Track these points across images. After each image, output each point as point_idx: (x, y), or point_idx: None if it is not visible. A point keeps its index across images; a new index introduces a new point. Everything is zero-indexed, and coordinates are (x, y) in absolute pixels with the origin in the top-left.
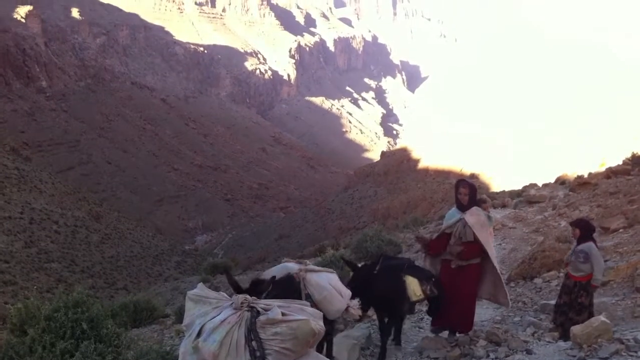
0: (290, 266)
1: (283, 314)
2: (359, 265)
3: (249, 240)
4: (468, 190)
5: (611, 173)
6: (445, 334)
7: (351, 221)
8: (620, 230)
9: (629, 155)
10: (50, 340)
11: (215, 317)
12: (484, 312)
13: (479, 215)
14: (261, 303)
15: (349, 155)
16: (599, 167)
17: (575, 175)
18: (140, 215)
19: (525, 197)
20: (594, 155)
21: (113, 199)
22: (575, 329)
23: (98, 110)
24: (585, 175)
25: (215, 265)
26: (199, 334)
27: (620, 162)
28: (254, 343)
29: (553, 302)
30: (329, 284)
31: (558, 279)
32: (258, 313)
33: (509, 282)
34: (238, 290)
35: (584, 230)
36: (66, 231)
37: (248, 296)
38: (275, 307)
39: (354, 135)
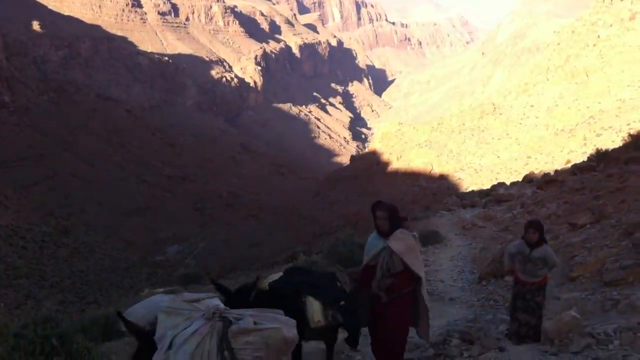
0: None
1: (255, 323)
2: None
3: (221, 249)
4: (387, 214)
5: (577, 170)
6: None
7: (323, 226)
8: (588, 226)
9: (593, 151)
10: (19, 357)
11: (186, 328)
12: (456, 312)
13: (406, 239)
14: (233, 313)
15: (318, 160)
16: (565, 165)
17: (542, 173)
18: (109, 228)
19: (493, 196)
20: (560, 153)
21: (81, 213)
22: (547, 324)
23: (62, 124)
24: (552, 173)
25: (187, 276)
26: (169, 347)
27: (585, 159)
28: (226, 353)
29: None
30: None
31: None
32: (230, 323)
33: (481, 280)
34: (226, 293)
35: (542, 232)
36: (34, 247)
37: (221, 305)
38: (247, 317)
39: (322, 140)
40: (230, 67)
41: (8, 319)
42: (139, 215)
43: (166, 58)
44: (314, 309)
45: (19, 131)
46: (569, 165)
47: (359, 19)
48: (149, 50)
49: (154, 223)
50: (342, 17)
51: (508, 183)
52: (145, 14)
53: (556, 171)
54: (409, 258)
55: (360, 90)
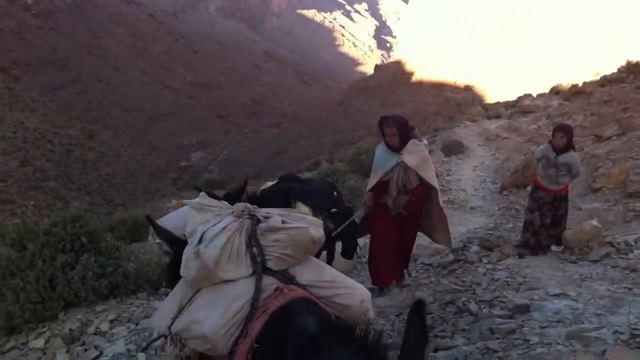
0: None
1: (283, 222)
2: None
3: (244, 156)
4: (396, 129)
5: (606, 81)
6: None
7: (346, 136)
8: (614, 138)
9: (624, 63)
10: (50, 254)
11: (216, 224)
12: (477, 220)
13: (420, 152)
14: (261, 211)
15: (342, 69)
16: (594, 76)
17: (570, 85)
18: (134, 133)
19: (519, 108)
20: (589, 65)
21: (106, 118)
22: (567, 234)
23: (86, 27)
24: (580, 85)
25: (211, 181)
26: (200, 241)
27: (615, 70)
28: (254, 249)
29: None
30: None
31: None
32: (259, 221)
33: (502, 190)
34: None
35: (570, 137)
36: (61, 150)
37: (249, 204)
38: (275, 215)
39: (347, 48)
40: None
41: (38, 218)
42: (163, 121)
43: None
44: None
45: (43, 34)
46: (598, 77)
47: None
48: None
49: (178, 129)
50: None
51: (535, 94)
52: None
53: (584, 83)
54: (424, 171)
55: None
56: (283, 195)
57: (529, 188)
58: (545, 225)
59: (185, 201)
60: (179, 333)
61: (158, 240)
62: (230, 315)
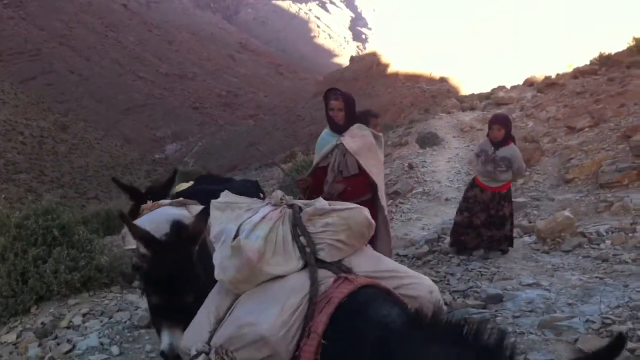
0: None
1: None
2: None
3: (219, 148)
4: (343, 103)
5: (578, 73)
6: None
7: (321, 127)
8: (586, 129)
9: (596, 55)
10: (22, 247)
11: (251, 216)
12: (451, 211)
13: (364, 137)
14: (300, 202)
15: (317, 61)
16: (567, 68)
17: (543, 77)
18: (108, 124)
19: (493, 99)
20: (562, 57)
21: (78, 109)
22: (540, 224)
23: (57, 17)
24: (553, 77)
25: (186, 174)
26: (236, 235)
27: (588, 63)
28: (302, 238)
29: (520, 199)
30: None
31: (524, 177)
32: (300, 209)
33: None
34: (134, 194)
35: (509, 128)
36: (32, 142)
37: (284, 194)
38: (320, 199)
39: (322, 40)
40: None
41: (9, 211)
42: (136, 113)
43: None
44: None
45: (14, 24)
46: (571, 69)
47: None
48: None
49: (152, 121)
50: None
51: (508, 87)
52: None
53: (557, 75)
54: (366, 159)
55: None
56: (208, 198)
57: None
58: (473, 226)
59: (163, 201)
60: (226, 344)
61: (131, 246)
62: (288, 312)
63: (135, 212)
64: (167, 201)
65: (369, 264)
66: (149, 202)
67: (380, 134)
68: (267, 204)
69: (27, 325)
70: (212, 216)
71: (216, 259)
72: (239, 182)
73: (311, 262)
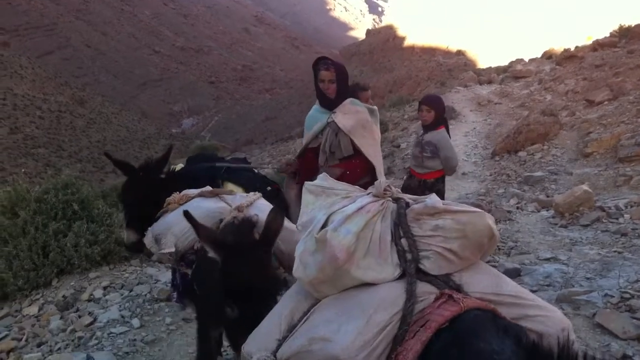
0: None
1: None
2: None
3: (236, 122)
4: (334, 74)
5: (598, 46)
6: None
7: None
8: (605, 103)
9: (616, 27)
10: (42, 221)
11: (346, 206)
12: (468, 186)
13: (358, 113)
14: (408, 195)
15: (333, 34)
16: (586, 40)
17: (562, 49)
18: (124, 99)
19: (511, 73)
20: (581, 29)
21: (95, 84)
22: (558, 199)
23: None
24: (572, 49)
25: (203, 148)
26: (324, 225)
27: (608, 35)
28: (403, 241)
29: (537, 173)
30: None
31: (542, 151)
32: (407, 205)
33: (494, 156)
34: (127, 170)
35: (440, 111)
36: (50, 116)
37: (391, 184)
38: (433, 195)
39: (338, 13)
40: None
41: (29, 185)
42: (153, 87)
43: None
44: None
45: None
46: (590, 41)
47: None
48: None
49: (169, 95)
50: None
51: (526, 59)
52: None
53: (577, 47)
54: (361, 138)
55: None
56: (208, 175)
57: (520, 153)
58: None
59: (191, 192)
60: (293, 358)
61: (169, 249)
62: (373, 331)
63: (131, 189)
64: (195, 191)
65: (486, 283)
66: (176, 194)
67: (375, 107)
68: (368, 193)
69: (48, 298)
70: (304, 201)
71: (298, 252)
72: (232, 159)
73: (410, 271)
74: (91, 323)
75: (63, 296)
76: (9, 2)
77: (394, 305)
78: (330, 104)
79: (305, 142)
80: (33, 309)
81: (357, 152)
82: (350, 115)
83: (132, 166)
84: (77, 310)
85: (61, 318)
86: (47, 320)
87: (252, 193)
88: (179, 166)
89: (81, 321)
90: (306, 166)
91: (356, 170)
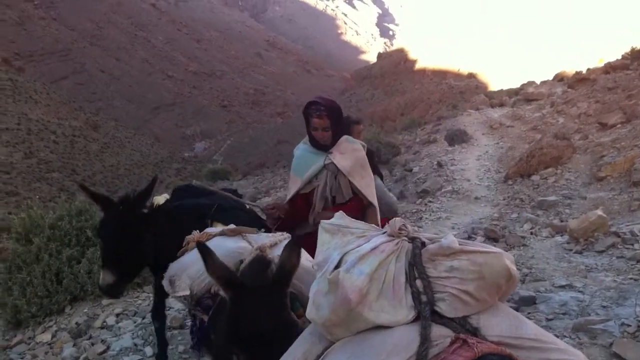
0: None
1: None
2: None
3: (248, 146)
4: (328, 121)
5: (610, 68)
6: None
7: None
8: (618, 126)
9: (628, 49)
10: (56, 248)
11: (361, 245)
12: (481, 210)
13: (355, 151)
14: (425, 234)
15: (345, 57)
16: (598, 63)
17: (574, 72)
18: (138, 123)
19: (523, 95)
20: (593, 51)
21: (109, 108)
22: (572, 224)
23: (87, 17)
24: (584, 72)
25: (215, 171)
26: (338, 265)
27: (619, 57)
28: (418, 282)
29: (551, 198)
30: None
31: (555, 175)
32: (423, 244)
33: (507, 180)
34: (106, 204)
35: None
36: (65, 141)
37: (406, 223)
38: (449, 234)
39: (349, 37)
40: None
41: (43, 211)
42: (166, 111)
43: None
44: None
45: (45, 25)
46: (602, 63)
47: None
48: None
49: (181, 119)
50: None
51: (538, 82)
52: None
53: (588, 69)
54: (360, 179)
55: None
56: (194, 214)
57: (534, 177)
58: None
59: (212, 230)
60: None
61: (183, 292)
62: None
63: (109, 225)
64: (217, 230)
65: (504, 326)
66: (195, 232)
67: (363, 143)
68: (383, 232)
69: (61, 325)
70: (320, 240)
71: (312, 291)
72: (222, 195)
73: (425, 314)
74: (104, 351)
75: (76, 323)
76: (24, 28)
77: (407, 350)
78: (325, 148)
79: (298, 187)
80: (46, 336)
81: (354, 194)
82: (348, 155)
83: (111, 200)
84: (90, 337)
85: (74, 345)
86: (60, 348)
87: (278, 233)
88: (163, 196)
89: (94, 349)
90: (293, 213)
91: (352, 213)
